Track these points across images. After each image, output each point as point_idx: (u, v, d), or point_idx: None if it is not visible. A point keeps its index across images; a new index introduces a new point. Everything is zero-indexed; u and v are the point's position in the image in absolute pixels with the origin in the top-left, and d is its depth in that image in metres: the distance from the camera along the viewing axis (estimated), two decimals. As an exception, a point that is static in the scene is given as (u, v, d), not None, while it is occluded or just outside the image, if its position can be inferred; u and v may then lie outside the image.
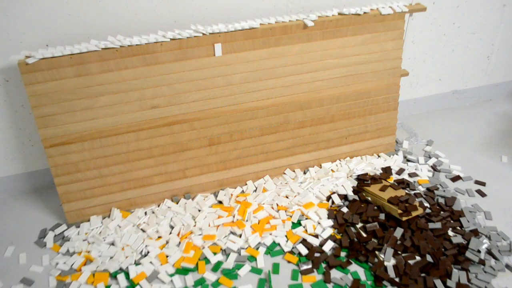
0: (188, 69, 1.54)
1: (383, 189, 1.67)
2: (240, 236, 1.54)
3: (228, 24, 1.55)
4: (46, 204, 1.73)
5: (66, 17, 1.50)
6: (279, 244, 1.52)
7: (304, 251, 1.48)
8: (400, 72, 1.82)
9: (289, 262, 1.46)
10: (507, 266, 1.43)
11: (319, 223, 1.59)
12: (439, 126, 2.18)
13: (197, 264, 1.45)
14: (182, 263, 1.44)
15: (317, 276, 1.41)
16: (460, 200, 1.69)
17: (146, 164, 1.62)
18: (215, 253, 1.48)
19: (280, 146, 1.77)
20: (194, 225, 1.58)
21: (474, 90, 2.34)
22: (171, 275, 1.41)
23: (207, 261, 1.46)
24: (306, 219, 1.61)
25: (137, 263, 1.45)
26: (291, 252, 1.50)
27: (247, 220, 1.58)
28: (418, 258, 1.45)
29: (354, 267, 1.44)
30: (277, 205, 1.66)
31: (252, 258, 1.47)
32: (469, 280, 1.37)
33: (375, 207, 1.63)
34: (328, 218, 1.61)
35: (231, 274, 1.41)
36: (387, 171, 1.81)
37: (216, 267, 1.44)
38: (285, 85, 1.67)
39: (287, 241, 1.52)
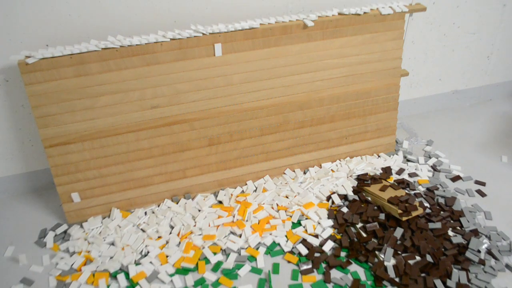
0: (188, 69, 1.54)
1: (383, 189, 1.67)
2: (240, 236, 1.54)
3: (228, 24, 1.55)
4: (46, 204, 1.73)
5: (66, 17, 1.50)
6: (279, 244, 1.52)
7: (304, 251, 1.48)
8: (400, 72, 1.82)
9: (289, 262, 1.46)
10: (507, 266, 1.43)
11: (319, 223, 1.59)
12: (439, 126, 2.18)
13: (197, 264, 1.45)
14: (182, 263, 1.44)
15: (317, 276, 1.41)
16: (460, 200, 1.69)
17: (146, 164, 1.62)
18: (215, 253, 1.48)
19: (280, 146, 1.77)
20: (194, 225, 1.58)
21: (474, 90, 2.34)
22: (171, 275, 1.41)
23: (207, 261, 1.46)
24: (306, 219, 1.61)
25: (137, 263, 1.45)
26: (291, 252, 1.50)
27: (247, 220, 1.58)
28: (418, 258, 1.45)
29: (354, 267, 1.44)
30: (277, 205, 1.66)
31: (252, 258, 1.47)
32: (469, 280, 1.37)
33: (375, 207, 1.63)
34: (328, 218, 1.61)
35: (231, 274, 1.41)
36: (387, 171, 1.81)
37: (216, 267, 1.44)
38: (285, 85, 1.67)
39: (287, 241, 1.52)
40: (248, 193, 1.72)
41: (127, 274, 1.42)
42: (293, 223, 1.60)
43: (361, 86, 1.78)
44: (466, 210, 1.64)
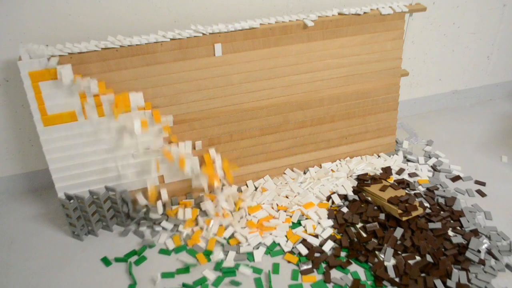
0: (188, 69, 1.54)
1: (383, 189, 1.67)
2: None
3: (228, 24, 1.55)
4: (46, 204, 1.73)
5: (66, 17, 1.50)
6: (279, 244, 1.52)
7: (304, 251, 1.48)
8: (400, 72, 1.82)
9: (289, 262, 1.46)
10: (507, 266, 1.43)
11: (319, 223, 1.59)
12: (439, 126, 2.18)
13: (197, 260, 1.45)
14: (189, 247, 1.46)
15: (317, 276, 1.41)
16: (460, 200, 1.69)
17: (146, 164, 1.63)
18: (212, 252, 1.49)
19: (280, 146, 1.77)
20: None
21: (474, 90, 2.34)
22: (172, 275, 1.42)
23: (209, 259, 1.46)
24: (306, 219, 1.61)
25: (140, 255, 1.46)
26: (291, 252, 1.50)
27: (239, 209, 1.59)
28: (418, 258, 1.45)
29: (354, 267, 1.44)
30: (277, 205, 1.66)
31: (252, 257, 1.47)
32: (469, 280, 1.37)
33: (375, 207, 1.63)
34: (328, 218, 1.61)
35: (231, 272, 1.41)
36: (387, 171, 1.81)
37: (217, 266, 1.44)
38: (285, 85, 1.67)
39: (287, 241, 1.52)
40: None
41: (130, 272, 1.42)
42: (293, 223, 1.60)
43: (361, 86, 1.78)
44: (466, 210, 1.64)
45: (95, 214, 1.55)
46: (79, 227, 1.53)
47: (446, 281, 1.36)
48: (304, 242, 1.52)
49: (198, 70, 1.55)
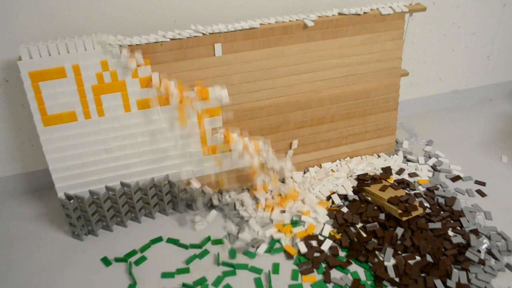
0: (188, 69, 1.54)
1: (383, 189, 1.67)
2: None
3: (228, 24, 1.55)
4: (46, 204, 1.73)
5: (66, 17, 1.50)
6: (279, 241, 1.52)
7: (304, 250, 1.48)
8: (400, 72, 1.82)
9: (288, 256, 1.46)
10: (507, 266, 1.43)
11: (319, 222, 1.59)
12: (439, 126, 2.18)
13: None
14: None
15: (317, 276, 1.41)
16: (460, 200, 1.69)
17: (146, 164, 1.63)
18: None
19: (280, 146, 1.77)
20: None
21: (474, 90, 2.34)
22: (172, 274, 1.42)
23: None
24: (306, 218, 1.61)
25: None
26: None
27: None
28: (418, 258, 1.45)
29: (354, 267, 1.44)
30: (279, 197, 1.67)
31: (252, 255, 1.47)
32: (469, 280, 1.37)
33: (375, 207, 1.63)
34: (328, 218, 1.61)
35: (231, 272, 1.41)
36: (387, 171, 1.81)
37: (217, 260, 1.44)
38: (285, 85, 1.67)
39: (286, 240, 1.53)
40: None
41: (131, 273, 1.43)
42: (293, 222, 1.60)
43: (361, 86, 1.78)
44: (466, 210, 1.64)
45: (95, 214, 1.55)
46: (79, 227, 1.54)
47: (446, 281, 1.36)
48: (304, 241, 1.51)
49: (198, 70, 1.55)
